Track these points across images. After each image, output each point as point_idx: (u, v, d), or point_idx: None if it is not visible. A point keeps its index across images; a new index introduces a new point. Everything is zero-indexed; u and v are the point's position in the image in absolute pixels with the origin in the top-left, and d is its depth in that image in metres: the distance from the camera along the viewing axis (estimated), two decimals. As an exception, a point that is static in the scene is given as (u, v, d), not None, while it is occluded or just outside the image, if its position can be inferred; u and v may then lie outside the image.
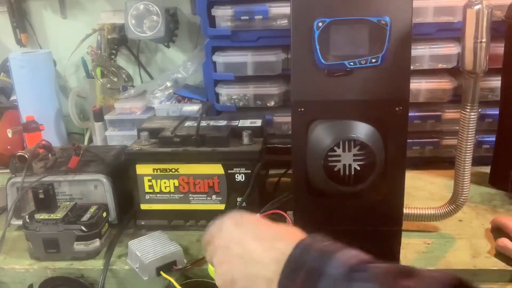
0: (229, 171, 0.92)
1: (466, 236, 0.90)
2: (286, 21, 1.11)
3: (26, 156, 0.97)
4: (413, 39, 0.75)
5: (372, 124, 0.75)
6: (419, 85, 1.11)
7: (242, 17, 1.11)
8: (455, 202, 0.85)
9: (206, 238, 0.56)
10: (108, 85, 1.34)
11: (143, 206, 0.96)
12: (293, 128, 0.78)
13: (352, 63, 0.71)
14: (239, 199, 0.93)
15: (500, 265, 0.80)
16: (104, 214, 0.92)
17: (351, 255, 0.42)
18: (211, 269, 0.66)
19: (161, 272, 0.82)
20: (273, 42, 1.15)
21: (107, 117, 1.31)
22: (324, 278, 0.39)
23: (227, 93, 1.19)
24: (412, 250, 0.87)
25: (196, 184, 0.93)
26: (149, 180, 0.94)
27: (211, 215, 0.64)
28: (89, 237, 0.88)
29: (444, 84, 1.12)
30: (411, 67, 0.87)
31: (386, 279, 0.38)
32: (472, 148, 0.81)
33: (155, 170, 0.94)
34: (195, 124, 0.96)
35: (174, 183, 0.94)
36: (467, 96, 0.79)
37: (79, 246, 0.88)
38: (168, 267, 0.83)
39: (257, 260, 0.43)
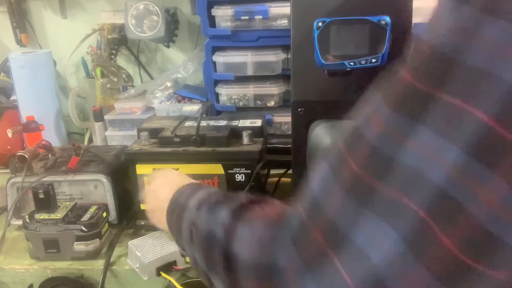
0: (229, 171, 0.92)
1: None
2: (286, 21, 1.11)
3: (26, 156, 0.97)
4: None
5: (372, 124, 0.75)
6: (419, 85, 1.11)
7: (242, 17, 1.11)
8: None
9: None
10: (108, 85, 1.34)
11: (143, 206, 0.96)
12: (293, 128, 0.78)
13: (352, 63, 0.71)
14: (239, 199, 0.92)
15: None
16: (104, 214, 0.92)
17: (205, 192, 0.56)
18: None
19: (161, 272, 0.82)
20: (273, 42, 1.15)
21: (107, 117, 1.31)
22: (186, 210, 0.55)
23: (227, 93, 1.19)
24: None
25: (196, 184, 0.93)
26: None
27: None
28: (89, 237, 0.88)
29: (444, 84, 1.12)
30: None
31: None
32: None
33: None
34: (195, 124, 0.96)
35: (174, 183, 0.94)
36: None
37: (79, 246, 0.88)
38: (168, 267, 0.83)
39: (164, 199, 0.62)
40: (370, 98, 0.36)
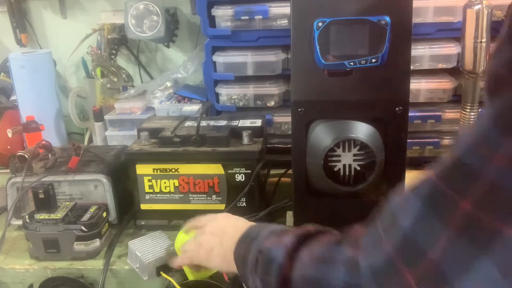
0: (229, 171, 0.92)
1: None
2: (286, 21, 1.11)
3: (26, 156, 0.97)
4: (413, 39, 0.75)
5: (372, 124, 0.75)
6: (419, 85, 1.11)
7: (242, 17, 1.11)
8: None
9: (196, 223, 0.75)
10: (108, 85, 1.34)
11: (143, 206, 0.96)
12: (293, 128, 0.78)
13: (352, 63, 0.71)
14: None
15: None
16: (104, 214, 0.92)
17: (278, 225, 0.58)
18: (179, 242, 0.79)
19: (161, 272, 0.82)
20: (273, 42, 1.15)
21: (107, 117, 1.31)
22: (255, 240, 0.56)
23: (227, 93, 1.19)
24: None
25: (196, 184, 0.93)
26: (149, 180, 0.94)
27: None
28: (89, 237, 0.88)
29: (444, 84, 1.12)
30: (411, 67, 0.87)
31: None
32: (472, 148, 0.81)
33: (155, 170, 0.94)
34: (195, 124, 0.96)
35: (174, 183, 0.94)
36: (467, 96, 0.79)
37: (79, 246, 0.88)
38: (168, 267, 0.83)
39: (229, 238, 0.63)
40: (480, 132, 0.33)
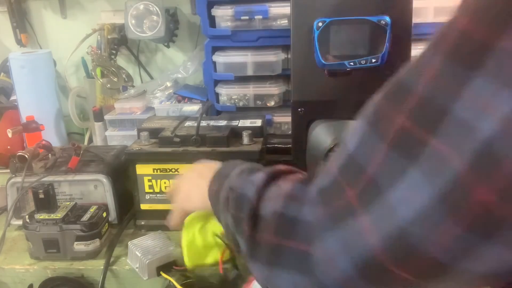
0: (229, 171, 0.91)
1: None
2: (286, 21, 1.11)
3: (26, 156, 0.97)
4: (413, 39, 0.75)
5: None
6: (419, 85, 1.11)
7: (242, 17, 1.11)
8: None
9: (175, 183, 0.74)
10: (108, 85, 1.34)
11: (143, 206, 0.96)
12: (293, 128, 0.78)
13: (352, 63, 0.71)
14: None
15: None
16: (104, 214, 0.92)
17: (250, 164, 0.57)
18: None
19: (161, 272, 0.82)
20: (273, 42, 1.15)
21: (107, 117, 1.31)
22: (227, 177, 0.55)
23: (227, 93, 1.19)
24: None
25: (196, 184, 0.93)
26: (149, 180, 0.94)
27: (211, 215, 0.64)
28: (89, 237, 0.88)
29: (444, 84, 1.12)
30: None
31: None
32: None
33: (155, 170, 0.94)
34: (195, 124, 0.96)
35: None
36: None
37: (79, 246, 0.88)
38: (168, 267, 0.83)
39: (204, 177, 0.62)
40: (420, 54, 0.35)
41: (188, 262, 0.76)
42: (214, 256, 0.77)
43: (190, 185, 0.68)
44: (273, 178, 0.50)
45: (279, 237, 0.44)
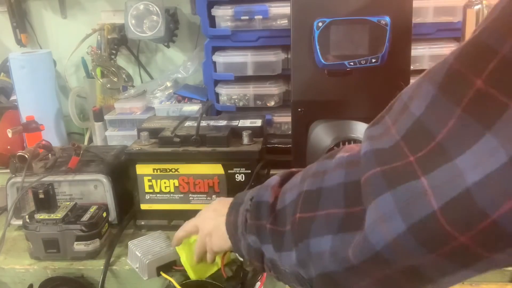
0: (229, 171, 0.92)
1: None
2: (286, 21, 1.11)
3: (26, 156, 0.97)
4: (413, 39, 0.75)
5: (372, 124, 0.75)
6: (419, 85, 1.11)
7: (242, 17, 1.11)
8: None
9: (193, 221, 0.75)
10: (108, 85, 1.34)
11: (143, 206, 0.96)
12: (293, 128, 0.78)
13: (352, 63, 0.71)
14: (239, 199, 0.92)
15: (500, 265, 0.80)
16: (104, 214, 0.92)
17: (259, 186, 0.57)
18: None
19: (161, 272, 0.82)
20: (273, 42, 1.15)
21: (107, 117, 1.31)
22: (242, 203, 0.56)
23: (227, 93, 1.19)
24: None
25: (196, 184, 0.93)
26: (149, 180, 0.94)
27: (211, 215, 0.64)
28: (89, 237, 0.88)
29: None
30: (411, 67, 0.87)
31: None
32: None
33: (155, 170, 0.94)
34: (195, 124, 0.96)
35: (174, 183, 0.94)
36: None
37: (79, 246, 0.88)
38: (168, 267, 0.83)
39: (221, 214, 0.62)
40: (500, 12, 0.32)
41: (193, 277, 0.79)
42: (215, 264, 0.79)
43: (209, 226, 0.68)
44: (287, 176, 0.50)
45: (304, 212, 0.43)
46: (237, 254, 0.60)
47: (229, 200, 0.64)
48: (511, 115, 0.29)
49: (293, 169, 0.52)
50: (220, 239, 0.63)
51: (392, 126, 0.38)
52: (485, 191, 0.30)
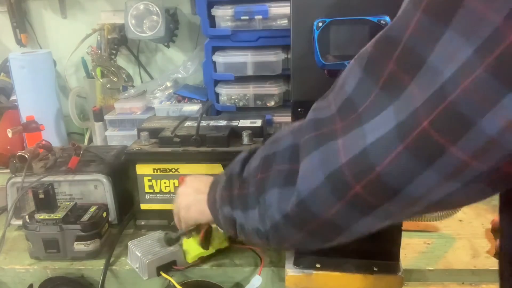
0: (229, 171, 0.91)
1: (466, 236, 0.90)
2: (286, 21, 1.11)
3: (26, 156, 0.97)
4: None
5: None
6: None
7: (242, 17, 1.11)
8: (455, 202, 0.85)
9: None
10: (108, 85, 1.34)
11: (143, 206, 0.96)
12: (293, 128, 0.78)
13: (352, 63, 0.71)
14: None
15: (500, 265, 0.80)
16: (104, 214, 0.92)
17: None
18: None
19: (161, 272, 0.82)
20: (273, 42, 1.15)
21: (107, 117, 1.31)
22: (219, 182, 0.62)
23: (227, 93, 1.19)
24: (412, 250, 0.87)
25: (196, 184, 0.93)
26: (149, 180, 0.94)
27: (211, 215, 0.65)
28: (89, 237, 0.88)
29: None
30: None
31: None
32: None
33: (155, 170, 0.94)
34: (195, 124, 0.96)
35: (174, 183, 0.94)
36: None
37: (79, 246, 0.88)
38: (168, 267, 0.83)
39: (200, 192, 0.69)
40: (403, 10, 0.40)
41: (195, 251, 0.85)
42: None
43: (188, 200, 0.74)
44: (255, 149, 0.58)
45: (263, 172, 0.52)
46: (217, 227, 0.66)
47: (203, 177, 0.74)
48: (408, 92, 0.37)
49: (259, 145, 0.60)
50: (197, 213, 0.71)
51: (332, 101, 0.46)
52: (375, 149, 0.39)
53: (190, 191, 0.74)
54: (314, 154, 0.44)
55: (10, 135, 1.19)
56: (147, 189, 0.95)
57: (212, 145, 0.93)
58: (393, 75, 0.38)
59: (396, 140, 0.37)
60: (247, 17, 1.11)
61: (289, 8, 0.74)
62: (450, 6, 0.34)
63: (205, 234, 0.82)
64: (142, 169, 0.94)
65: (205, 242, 0.84)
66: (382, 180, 0.39)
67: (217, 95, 1.21)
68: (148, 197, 0.95)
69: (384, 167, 0.38)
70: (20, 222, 0.93)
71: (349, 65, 0.46)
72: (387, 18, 0.69)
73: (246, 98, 1.19)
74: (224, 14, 1.13)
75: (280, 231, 0.51)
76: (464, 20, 0.33)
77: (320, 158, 0.43)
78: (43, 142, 1.03)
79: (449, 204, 0.43)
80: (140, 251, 0.84)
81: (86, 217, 0.88)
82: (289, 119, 0.79)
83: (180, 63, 1.37)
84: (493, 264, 0.81)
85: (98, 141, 1.34)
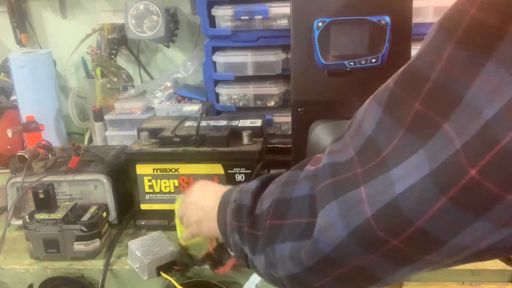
0: (229, 171, 0.92)
1: (466, 236, 0.90)
2: (286, 21, 1.11)
3: (26, 156, 0.97)
4: (413, 39, 0.75)
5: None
6: (419, 85, 1.11)
7: (242, 17, 1.11)
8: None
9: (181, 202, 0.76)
10: (108, 85, 1.34)
11: (143, 206, 0.96)
12: (293, 128, 0.78)
13: (352, 63, 0.71)
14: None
15: (500, 265, 0.80)
16: (104, 214, 0.92)
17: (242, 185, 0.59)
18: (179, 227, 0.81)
19: (161, 272, 0.82)
20: (273, 42, 1.15)
21: (107, 117, 1.31)
22: (229, 202, 0.58)
23: (227, 93, 1.19)
24: (412, 250, 0.86)
25: (196, 184, 0.93)
26: (149, 180, 0.94)
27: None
28: (89, 237, 0.88)
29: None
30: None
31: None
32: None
33: (155, 170, 0.94)
34: (195, 124, 0.96)
35: (174, 183, 0.94)
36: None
37: (79, 246, 0.88)
38: (168, 267, 0.83)
39: (210, 208, 0.64)
40: (429, 41, 0.36)
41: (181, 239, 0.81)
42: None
43: (198, 215, 0.70)
44: (266, 181, 0.53)
45: (273, 219, 0.47)
46: (228, 249, 0.63)
47: (212, 188, 0.69)
48: (442, 133, 0.33)
49: (272, 173, 0.56)
50: (209, 230, 0.67)
51: (349, 143, 0.42)
52: (409, 200, 0.34)
53: (199, 205, 0.70)
54: (332, 205, 0.40)
55: (10, 135, 1.19)
56: (147, 189, 0.95)
57: (212, 145, 0.93)
58: (421, 115, 0.34)
59: (434, 190, 0.33)
60: (247, 17, 1.11)
61: (289, 8, 0.74)
62: (492, 35, 0.30)
63: (216, 252, 0.80)
64: (142, 169, 0.94)
65: (219, 262, 0.82)
66: (425, 234, 0.34)
67: (217, 95, 1.21)
68: (148, 197, 0.95)
69: (426, 222, 0.34)
70: (20, 222, 0.93)
71: (365, 103, 0.42)
72: (387, 18, 0.69)
73: (246, 98, 1.19)
74: (224, 14, 1.13)
75: (299, 279, 0.47)
76: (508, 50, 0.29)
77: (341, 209, 0.39)
78: (43, 142, 1.03)
79: (500, 250, 0.37)
80: (140, 251, 0.84)
81: (86, 217, 0.88)
82: (289, 119, 0.79)
83: (180, 63, 1.37)
84: (493, 264, 0.81)
85: (98, 141, 1.34)
